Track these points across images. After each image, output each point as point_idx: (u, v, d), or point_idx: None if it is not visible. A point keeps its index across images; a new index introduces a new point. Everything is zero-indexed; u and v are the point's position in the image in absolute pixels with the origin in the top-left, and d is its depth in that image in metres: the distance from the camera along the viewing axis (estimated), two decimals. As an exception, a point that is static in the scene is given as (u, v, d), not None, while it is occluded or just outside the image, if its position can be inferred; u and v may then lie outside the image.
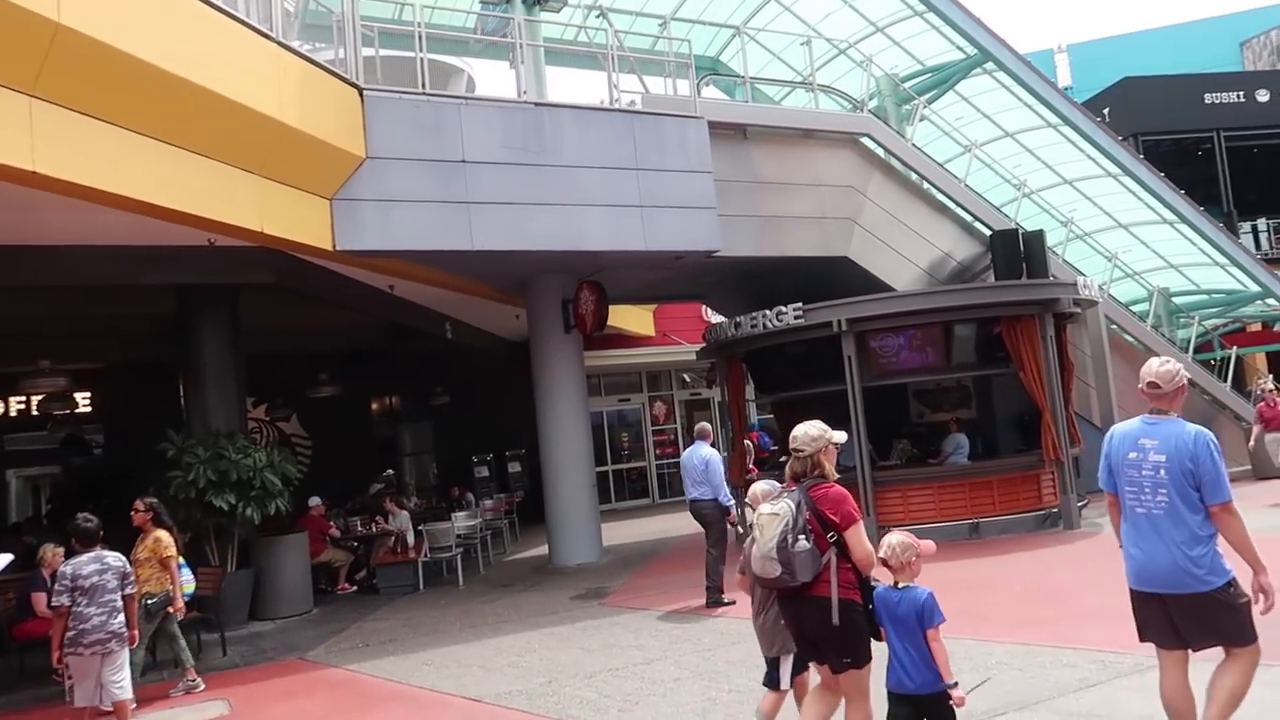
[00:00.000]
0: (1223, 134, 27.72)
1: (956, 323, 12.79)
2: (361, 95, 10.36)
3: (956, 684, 4.04)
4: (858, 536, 4.19)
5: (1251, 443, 13.08)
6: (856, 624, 4.18)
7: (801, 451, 4.40)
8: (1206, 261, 19.10)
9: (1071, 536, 11.93)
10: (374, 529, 13.16)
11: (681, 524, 17.24)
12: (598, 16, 13.18)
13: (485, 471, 20.17)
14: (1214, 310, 19.50)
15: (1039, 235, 14.95)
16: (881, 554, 4.19)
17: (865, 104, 14.61)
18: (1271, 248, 27.81)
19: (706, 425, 10.21)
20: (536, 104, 11.57)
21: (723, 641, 7.85)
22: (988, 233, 15.48)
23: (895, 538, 4.21)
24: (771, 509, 4.24)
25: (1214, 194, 26.71)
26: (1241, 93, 28.17)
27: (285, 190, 9.56)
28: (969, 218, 15.41)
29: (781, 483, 4.52)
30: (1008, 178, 16.92)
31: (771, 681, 5.02)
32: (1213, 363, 18.37)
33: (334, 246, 10.18)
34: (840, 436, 4.54)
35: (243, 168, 8.94)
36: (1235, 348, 18.57)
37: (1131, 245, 18.89)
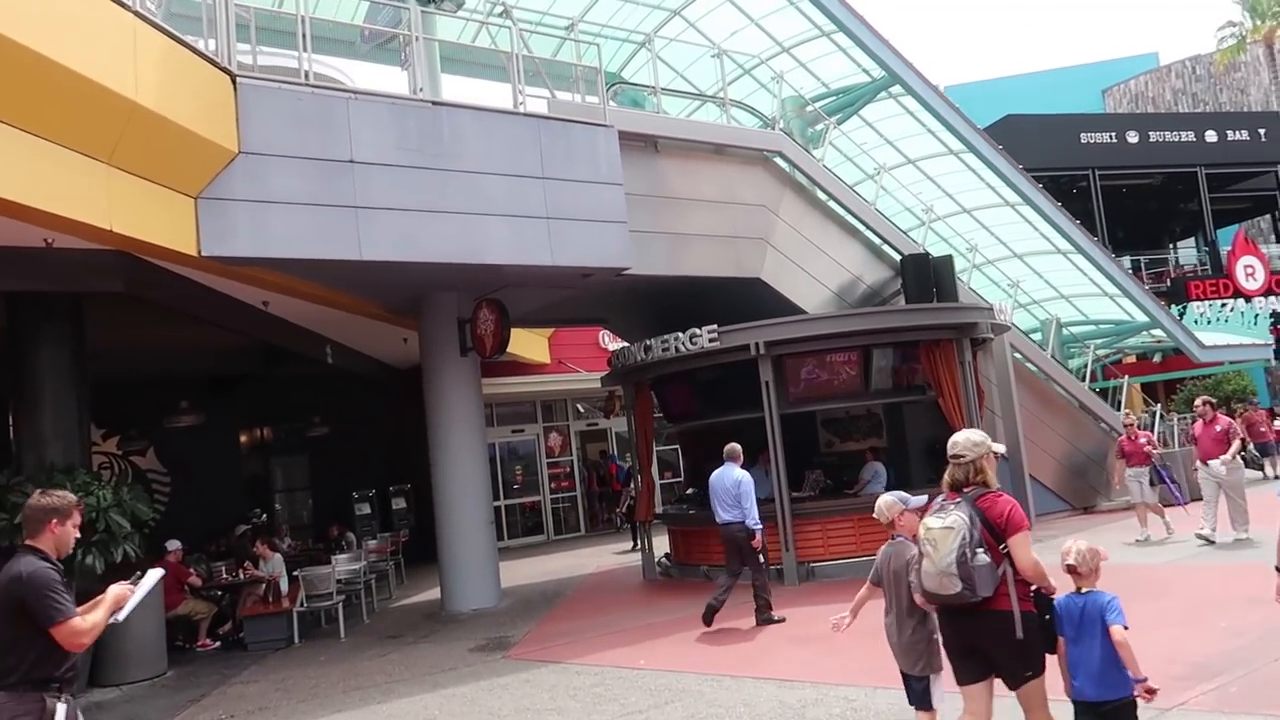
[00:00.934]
0: (1097, 172, 28.79)
1: (876, 346, 12.30)
2: (235, 83, 9.13)
3: (1146, 678, 3.98)
4: (1025, 546, 4.09)
5: (1116, 480, 12.62)
6: (1035, 635, 4.14)
7: (962, 458, 4.30)
8: (1096, 292, 19.45)
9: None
10: (241, 575, 11.63)
11: (581, 562, 16.26)
12: (500, 14, 12.27)
13: (367, 509, 18.65)
14: (1102, 340, 19.83)
15: (948, 261, 14.75)
16: (1070, 561, 4.15)
17: (776, 122, 14.12)
18: (1143, 283, 28.91)
19: (737, 446, 9.94)
20: (434, 103, 10.54)
21: (655, 700, 6.89)
22: (896, 257, 15.21)
23: (1081, 544, 4.15)
24: (943, 522, 4.12)
25: (1089, 229, 27.62)
26: (1113, 134, 29.38)
27: (140, 184, 8.24)
28: (878, 241, 15.10)
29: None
30: (912, 204, 16.74)
31: (921, 702, 4.83)
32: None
33: (198, 251, 8.87)
34: (1000, 447, 4.45)
35: (87, 154, 7.61)
36: (1127, 377, 18.87)
37: (1026, 275, 19.05)
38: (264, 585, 11.29)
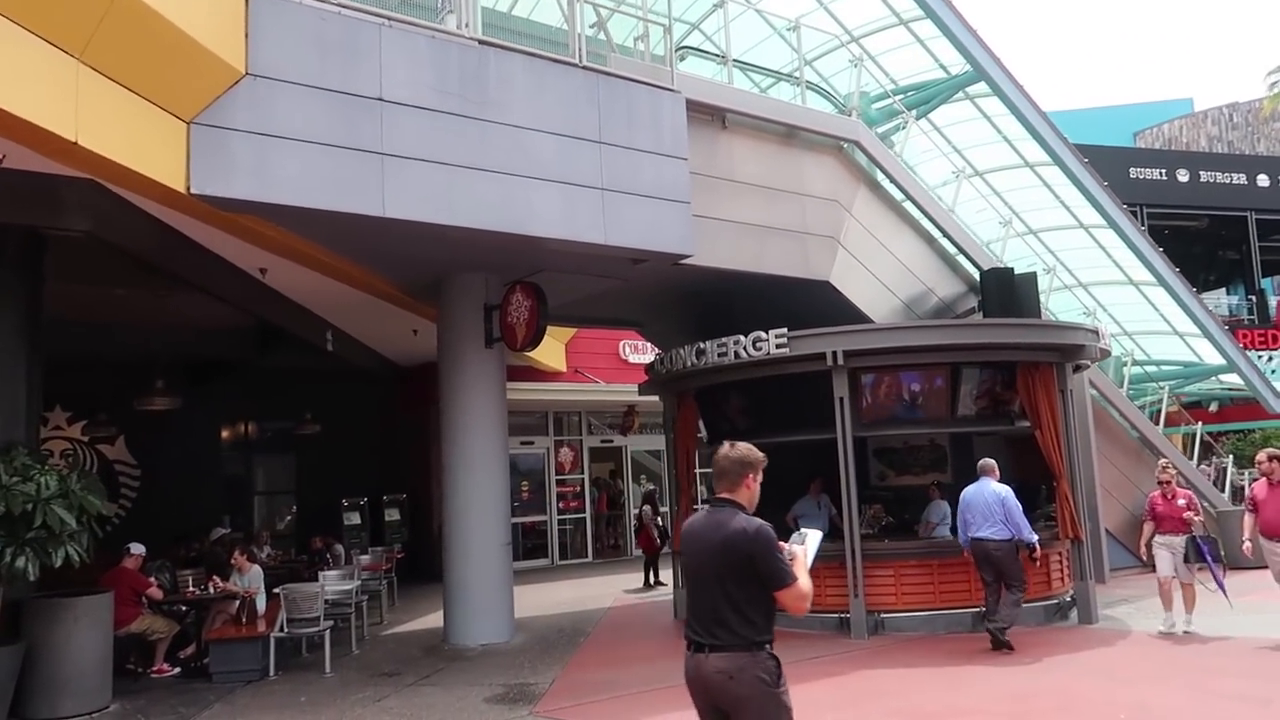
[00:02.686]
0: (1145, 210, 27.39)
1: (966, 365, 10.65)
2: (247, -12, 7.48)
3: None
4: None
5: (1142, 546, 9.76)
6: None
7: None
8: (1165, 330, 17.92)
9: (1099, 634, 9.79)
10: (211, 589, 9.82)
11: (593, 594, 14.48)
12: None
13: (357, 519, 16.82)
14: (1171, 383, 18.24)
15: (1032, 278, 13.16)
16: None
17: (852, 111, 12.54)
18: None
19: (991, 461, 9.66)
20: (481, 41, 8.89)
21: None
22: (971, 270, 13.61)
23: None
24: None
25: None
26: (1163, 170, 28.03)
27: (118, 93, 6.56)
28: (953, 251, 13.49)
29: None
30: (984, 217, 15.16)
31: None
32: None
33: (187, 188, 7.18)
34: None
35: (52, 40, 5.94)
36: (1200, 424, 17.27)
37: (1092, 308, 17.47)
38: (237, 603, 9.49)
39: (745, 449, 3.81)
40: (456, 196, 8.47)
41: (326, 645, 9.25)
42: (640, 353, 19.91)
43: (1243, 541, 9.00)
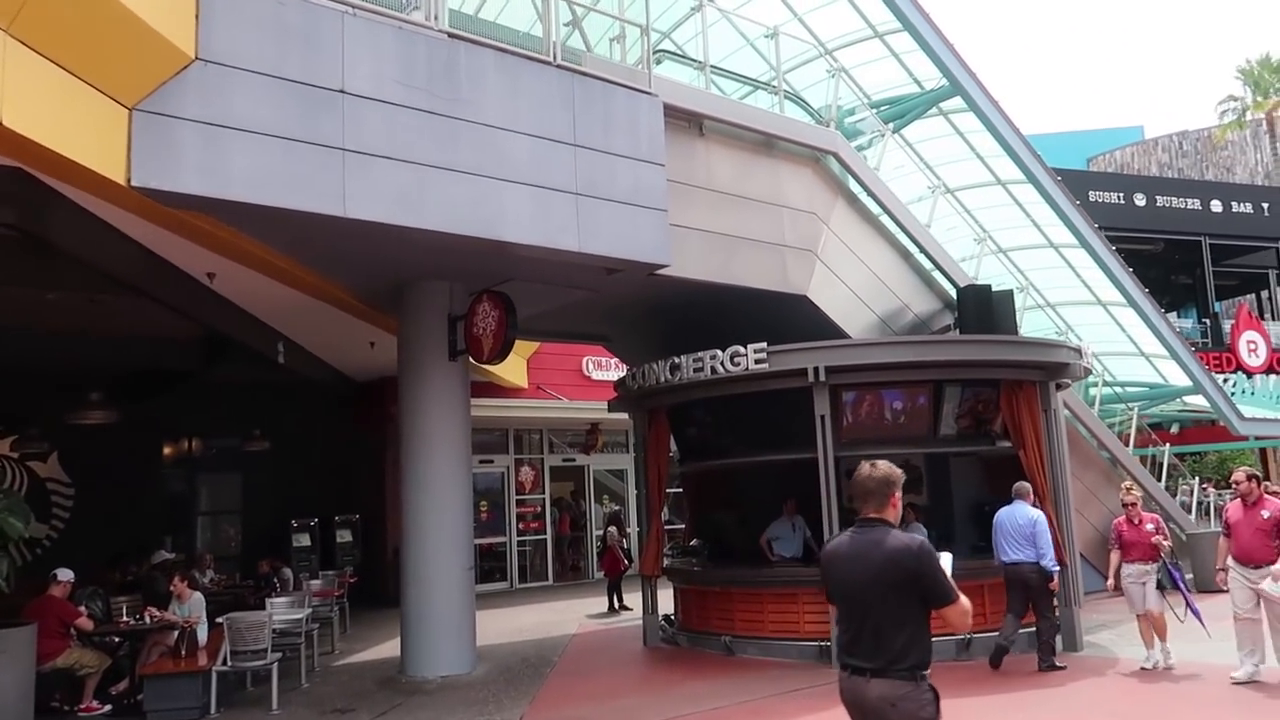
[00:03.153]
0: (1104, 233, 27.58)
1: (949, 383, 10.32)
2: (198, -33, 6.90)
3: None
4: None
5: (1111, 576, 9.01)
6: None
7: None
8: (1131, 351, 17.85)
9: (1089, 663, 9.43)
10: (148, 619, 9.06)
11: (555, 619, 13.88)
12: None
13: (306, 540, 16.06)
14: (1134, 405, 18.16)
15: (1009, 296, 12.92)
16: None
17: (830, 122, 12.23)
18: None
19: (1027, 485, 9.57)
20: (451, 34, 8.38)
21: None
22: (947, 287, 13.36)
23: None
24: None
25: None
26: (1121, 194, 28.33)
27: (51, 71, 5.94)
28: (929, 267, 13.22)
29: None
30: (965, 232, 14.93)
31: None
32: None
33: (128, 179, 6.55)
34: None
35: (-27, 7, 5.32)
36: (1168, 445, 17.20)
37: (1062, 329, 17.35)
38: (176, 633, 8.76)
39: (887, 467, 3.77)
40: (424, 197, 7.92)
41: (274, 679, 8.56)
42: (604, 369, 19.42)
43: (1217, 569, 8.22)
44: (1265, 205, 30.39)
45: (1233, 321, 28.41)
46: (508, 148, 8.50)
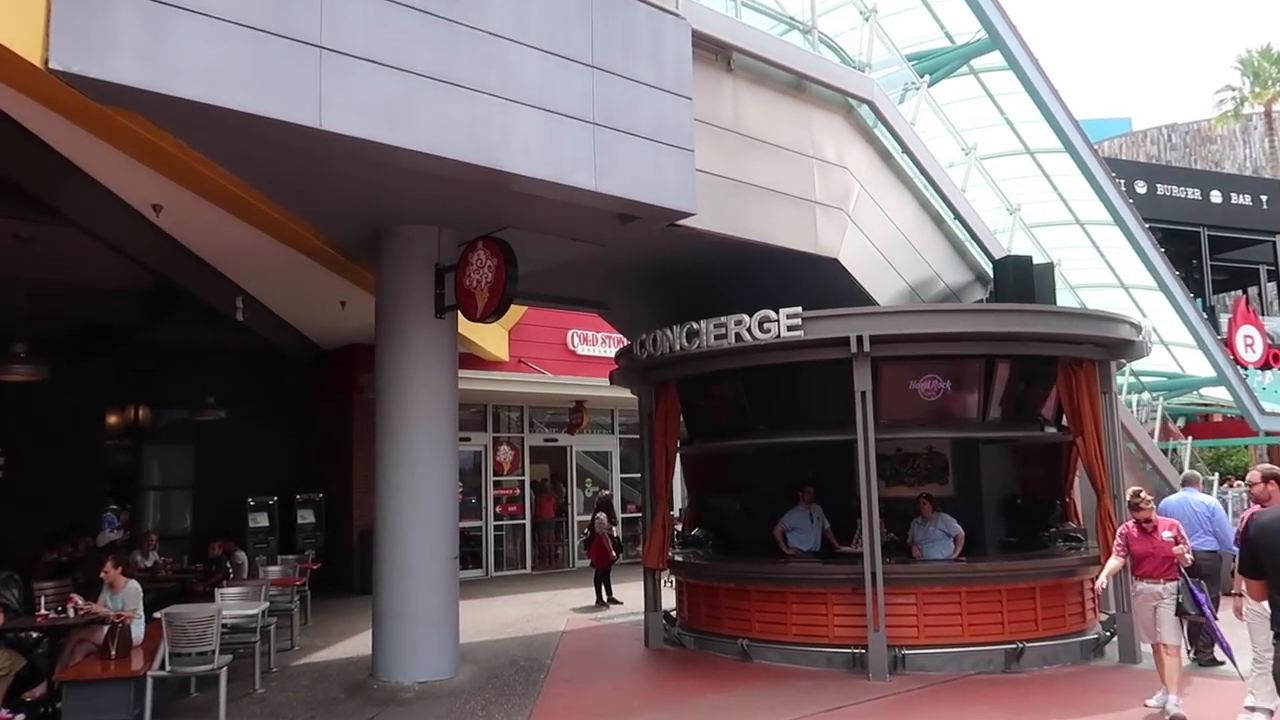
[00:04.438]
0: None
1: (1002, 359, 9.16)
2: None
3: None
4: None
5: (1100, 581, 7.52)
6: None
7: None
8: (1152, 340, 16.85)
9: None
10: (71, 611, 7.64)
11: (540, 613, 12.60)
12: None
13: (264, 520, 14.63)
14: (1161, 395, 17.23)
15: (1049, 269, 11.85)
16: None
17: (865, 66, 11.00)
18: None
19: (1195, 473, 9.53)
20: (453, -78, 7.02)
21: None
22: (979, 259, 12.23)
23: None
24: None
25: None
26: (1123, 181, 27.41)
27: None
28: (963, 236, 12.07)
29: None
30: (993, 203, 13.77)
31: None
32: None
33: (44, 61, 5.15)
34: None
35: None
36: (1190, 439, 16.27)
37: (1081, 310, 16.31)
38: (105, 629, 7.37)
39: None
40: (414, 112, 6.58)
41: (222, 686, 7.20)
42: (590, 344, 18.16)
43: (1233, 594, 6.45)
44: (1264, 198, 29.72)
45: (1230, 315, 27.73)
46: (514, 62, 7.18)
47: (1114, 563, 7.31)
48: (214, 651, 7.19)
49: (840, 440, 9.63)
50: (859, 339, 8.42)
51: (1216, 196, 29.10)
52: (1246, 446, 25.20)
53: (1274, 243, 30.41)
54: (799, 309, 8.63)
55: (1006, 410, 9.49)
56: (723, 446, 10.72)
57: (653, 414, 10.35)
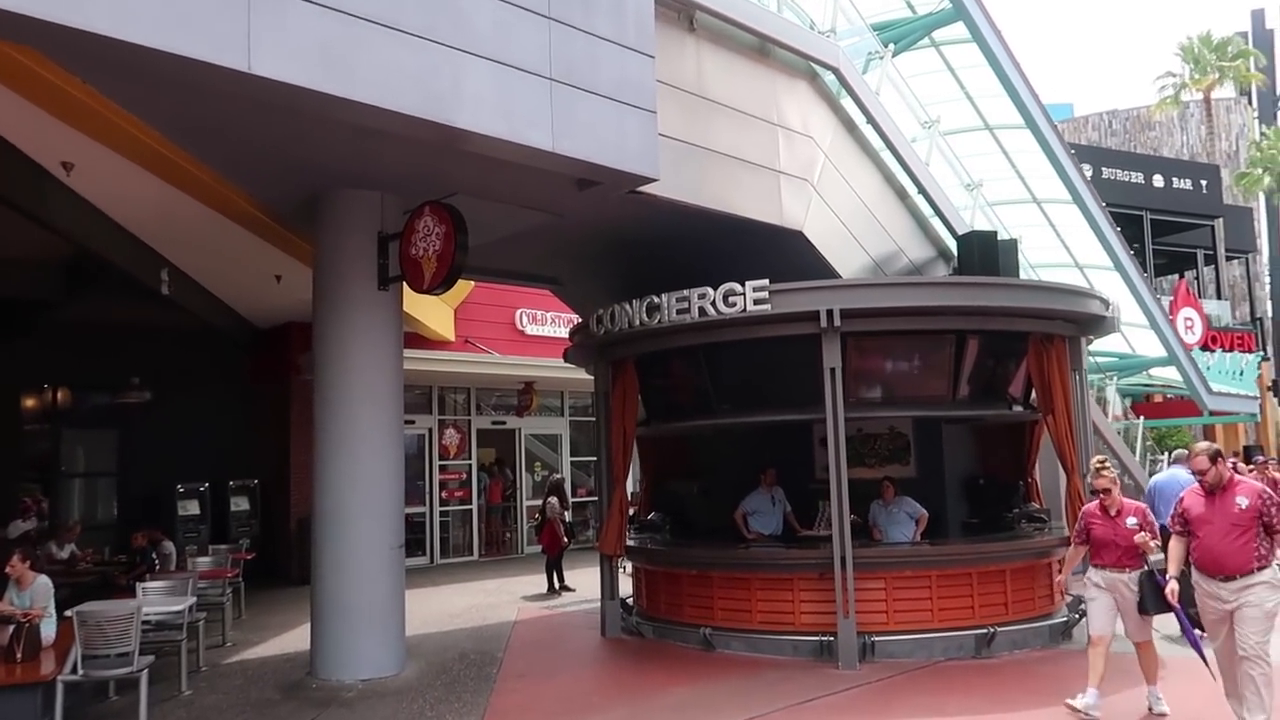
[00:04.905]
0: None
1: (972, 334, 8.85)
2: None
3: None
4: None
5: (1063, 576, 7.07)
6: None
7: None
8: (1103, 318, 16.86)
9: (1127, 661, 8.09)
10: (-27, 610, 6.94)
11: (489, 601, 12.09)
12: None
13: (195, 509, 13.85)
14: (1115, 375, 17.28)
15: (1013, 245, 11.60)
16: None
17: (831, 33, 10.60)
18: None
19: (1184, 451, 8.54)
20: None
21: None
22: (942, 235, 11.96)
23: None
24: None
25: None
26: (1070, 163, 27.60)
27: None
28: (927, 211, 11.78)
29: None
30: (952, 179, 13.51)
31: None
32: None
33: (-77, -18, 4.46)
34: None
35: None
36: (1142, 418, 16.29)
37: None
38: (12, 629, 6.67)
39: None
40: (356, 59, 5.96)
41: (143, 689, 6.57)
42: (539, 324, 17.61)
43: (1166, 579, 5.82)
44: (1204, 183, 30.20)
45: (1171, 298, 28.18)
46: (466, 8, 6.60)
47: (1072, 551, 6.78)
48: (134, 653, 6.55)
49: (805, 420, 9.33)
50: (829, 313, 8.03)
51: (1159, 181, 29.49)
52: (1188, 427, 25.62)
53: (1212, 227, 30.98)
54: (765, 281, 8.20)
55: (975, 388, 9.20)
56: (683, 427, 10.30)
57: (609, 393, 9.87)
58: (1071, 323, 9.06)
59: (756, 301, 8.20)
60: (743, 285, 8.25)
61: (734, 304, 8.26)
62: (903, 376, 8.90)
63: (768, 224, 9.32)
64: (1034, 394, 9.28)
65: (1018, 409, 9.75)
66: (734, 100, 9.19)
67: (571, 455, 18.52)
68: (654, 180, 7.79)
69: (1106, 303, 9.48)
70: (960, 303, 8.44)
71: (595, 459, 18.77)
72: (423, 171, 7.62)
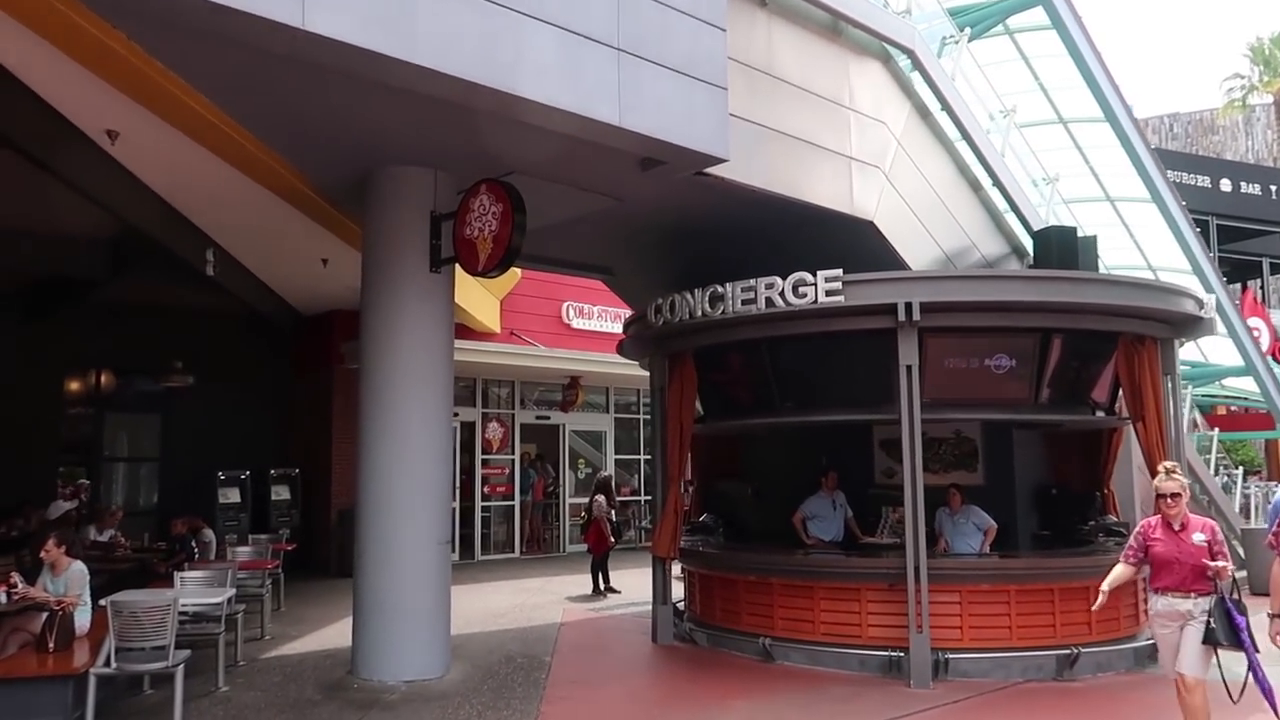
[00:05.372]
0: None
1: (1058, 333, 8.27)
2: None
3: None
4: None
5: (1104, 588, 5.47)
6: None
7: None
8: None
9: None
10: (4, 595, 6.65)
11: (532, 601, 11.71)
12: None
13: (236, 496, 13.61)
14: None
15: (1093, 242, 10.95)
16: None
17: (907, 12, 10.07)
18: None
19: None
20: None
21: None
22: (1018, 229, 11.36)
23: None
24: None
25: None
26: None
27: None
28: (1001, 204, 11.19)
29: None
30: (1023, 173, 12.87)
31: None
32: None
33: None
34: None
35: None
36: (1216, 430, 15.52)
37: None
38: (44, 616, 6.37)
39: None
40: (414, 19, 5.57)
41: (178, 685, 6.22)
42: (586, 317, 17.21)
43: (1272, 617, 4.92)
44: (1274, 188, 29.04)
45: (1237, 304, 27.19)
46: (533, -28, 6.18)
47: (1120, 571, 5.49)
48: (169, 646, 6.21)
49: (870, 420, 8.86)
50: (908, 306, 7.51)
51: (1226, 185, 28.40)
52: (1253, 442, 24.65)
53: (1281, 234, 29.81)
54: (839, 271, 7.71)
55: (1058, 392, 8.62)
56: (744, 425, 9.81)
57: (665, 388, 9.41)
58: (1165, 323, 8.46)
59: (829, 293, 7.70)
60: (814, 275, 7.76)
61: (804, 295, 7.77)
62: (982, 377, 8.32)
63: (838, 212, 8.80)
64: (1119, 399, 8.67)
65: (1100, 414, 9.16)
66: (805, 81, 8.69)
67: (616, 453, 18.09)
68: (723, 161, 7.34)
69: (1201, 303, 8.84)
70: (1049, 298, 7.86)
71: (638, 457, 18.53)
72: (479, 148, 7.22)
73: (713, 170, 7.56)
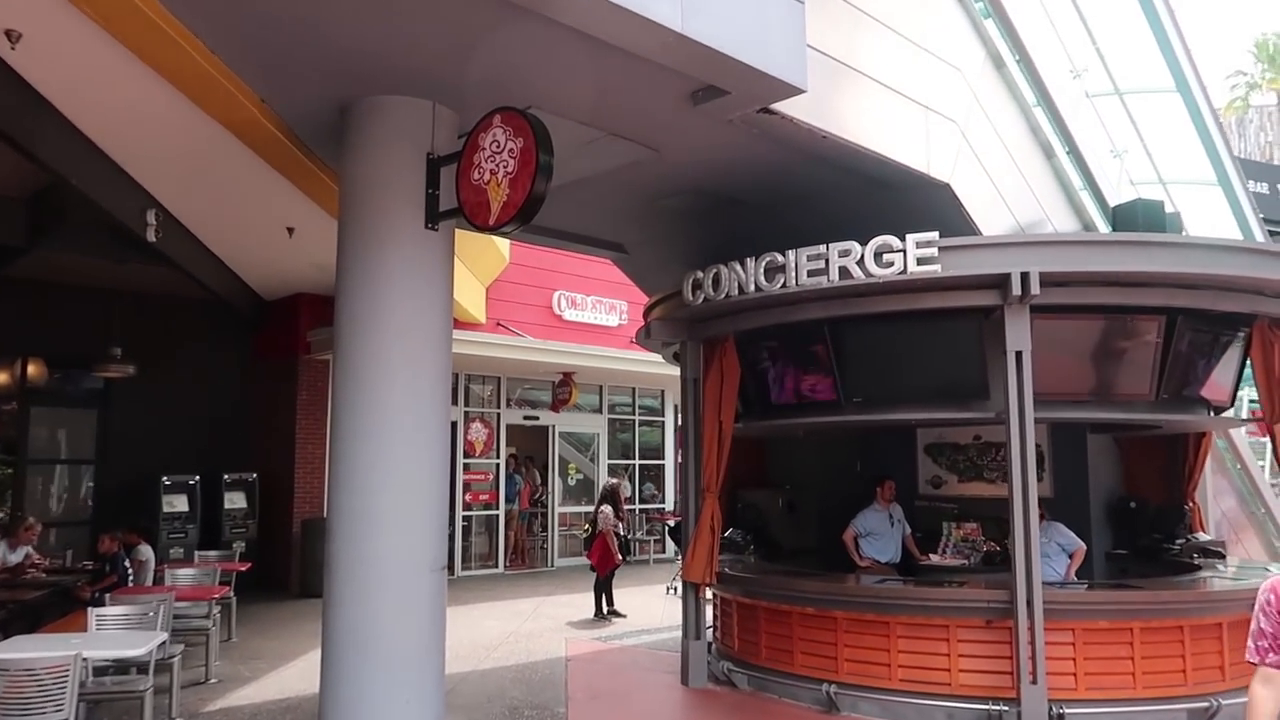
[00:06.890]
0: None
1: (1186, 313, 6.85)
2: None
3: None
4: None
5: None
6: None
7: None
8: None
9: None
10: None
11: (529, 625, 10.13)
12: None
13: (183, 504, 11.88)
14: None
15: (1178, 219, 9.60)
16: None
17: (979, -54, 8.66)
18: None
19: None
20: None
21: None
22: (1090, 204, 10.04)
23: None
24: None
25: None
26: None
27: None
28: (1073, 174, 9.84)
29: None
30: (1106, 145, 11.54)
31: None
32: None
33: None
34: None
35: None
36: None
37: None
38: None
39: None
40: None
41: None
42: (579, 308, 15.69)
43: None
44: (1280, 187, 28.17)
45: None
46: None
47: (1262, 695, 2.75)
48: (69, 705, 4.58)
49: (962, 420, 7.48)
50: (1024, 277, 6.06)
51: (1263, 188, 27.48)
52: None
53: (1287, 235, 28.95)
54: (934, 235, 6.25)
55: (1177, 386, 7.21)
56: (800, 424, 8.28)
57: (700, 379, 7.89)
58: (1312, 306, 7.08)
59: (921, 260, 6.24)
60: (902, 239, 6.29)
61: (890, 264, 6.31)
62: (1098, 368, 6.92)
63: (913, 173, 7.29)
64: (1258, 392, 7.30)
65: (1214, 414, 7.80)
66: (884, 13, 7.22)
67: (608, 459, 16.53)
68: (800, 92, 5.82)
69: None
70: (1182, 270, 6.43)
71: (633, 462, 17.00)
72: (492, 72, 5.65)
73: (780, 107, 6.06)
